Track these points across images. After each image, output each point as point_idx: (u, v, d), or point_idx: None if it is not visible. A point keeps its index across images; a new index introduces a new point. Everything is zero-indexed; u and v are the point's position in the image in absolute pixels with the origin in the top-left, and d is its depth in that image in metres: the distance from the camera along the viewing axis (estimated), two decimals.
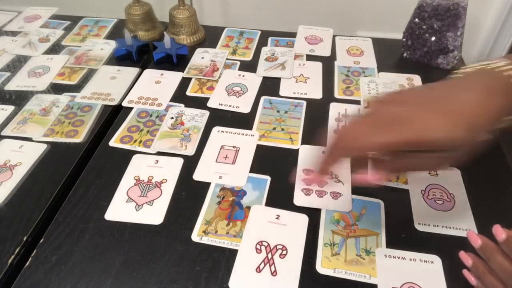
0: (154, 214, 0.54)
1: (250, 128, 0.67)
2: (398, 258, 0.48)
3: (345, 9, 0.99)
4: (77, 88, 0.75)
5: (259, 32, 0.92)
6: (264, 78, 0.78)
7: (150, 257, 0.49)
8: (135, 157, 0.61)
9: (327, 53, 0.85)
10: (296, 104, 0.72)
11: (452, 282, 0.46)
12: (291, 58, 0.83)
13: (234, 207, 0.54)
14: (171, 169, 0.60)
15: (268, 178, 0.58)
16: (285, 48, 0.87)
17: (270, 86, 0.76)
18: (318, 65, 0.81)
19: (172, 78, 0.78)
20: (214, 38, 0.90)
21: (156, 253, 0.49)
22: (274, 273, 0.47)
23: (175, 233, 0.51)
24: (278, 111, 0.70)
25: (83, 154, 0.63)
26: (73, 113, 0.69)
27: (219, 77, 0.78)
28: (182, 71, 0.80)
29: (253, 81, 0.77)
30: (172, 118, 0.69)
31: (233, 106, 0.71)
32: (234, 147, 0.63)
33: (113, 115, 0.70)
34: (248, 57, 0.85)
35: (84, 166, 0.60)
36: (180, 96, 0.74)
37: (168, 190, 0.57)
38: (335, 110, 0.70)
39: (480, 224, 0.52)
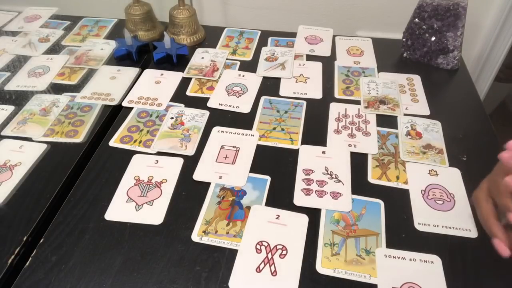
0: (154, 214, 0.54)
1: (250, 128, 0.67)
2: (398, 258, 0.48)
3: (345, 9, 0.99)
4: (77, 88, 0.75)
5: (259, 32, 0.92)
6: (264, 78, 0.78)
7: (150, 257, 0.49)
8: (135, 157, 0.61)
9: (327, 53, 0.85)
10: (296, 104, 0.71)
11: (452, 282, 0.46)
12: (291, 58, 0.83)
13: (234, 207, 0.54)
14: (171, 169, 0.60)
15: (268, 178, 0.58)
16: (285, 48, 0.87)
17: (270, 86, 0.76)
18: (318, 65, 0.81)
19: (172, 78, 0.78)
20: (214, 38, 0.90)
21: (156, 253, 0.49)
22: (274, 273, 0.47)
23: (175, 233, 0.51)
24: (278, 111, 0.70)
25: (83, 154, 0.63)
26: (73, 113, 0.69)
27: (219, 77, 0.78)
28: (182, 71, 0.80)
29: (253, 81, 0.77)
30: (172, 118, 0.69)
31: (233, 106, 0.71)
32: (234, 147, 0.63)
33: (113, 115, 0.70)
34: (248, 57, 0.85)
35: (84, 166, 0.60)
36: (180, 96, 0.74)
37: (168, 190, 0.57)
38: (335, 110, 0.70)
39: (480, 224, 0.52)
